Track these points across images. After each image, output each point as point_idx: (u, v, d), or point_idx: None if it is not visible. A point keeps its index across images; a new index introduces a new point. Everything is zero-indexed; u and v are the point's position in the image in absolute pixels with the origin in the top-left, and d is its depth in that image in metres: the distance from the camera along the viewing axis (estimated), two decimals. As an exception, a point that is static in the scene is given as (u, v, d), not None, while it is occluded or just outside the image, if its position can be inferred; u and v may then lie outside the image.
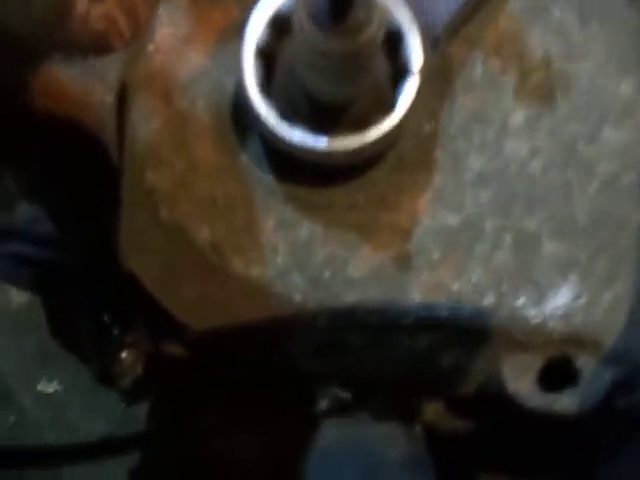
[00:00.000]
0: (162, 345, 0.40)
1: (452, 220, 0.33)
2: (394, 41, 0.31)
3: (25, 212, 0.44)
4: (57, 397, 0.65)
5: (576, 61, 0.34)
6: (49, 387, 0.65)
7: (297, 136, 0.31)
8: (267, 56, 0.31)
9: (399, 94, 0.31)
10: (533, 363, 0.33)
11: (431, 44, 0.31)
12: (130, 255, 0.34)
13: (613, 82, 0.35)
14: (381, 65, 0.30)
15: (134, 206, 0.34)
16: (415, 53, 0.31)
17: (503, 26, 0.35)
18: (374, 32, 0.27)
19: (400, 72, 0.31)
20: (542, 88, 0.34)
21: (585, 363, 0.33)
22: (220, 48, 0.34)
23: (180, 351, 0.39)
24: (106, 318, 0.44)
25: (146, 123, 0.33)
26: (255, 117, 0.31)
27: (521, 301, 0.33)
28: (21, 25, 0.32)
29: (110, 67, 0.36)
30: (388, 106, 0.31)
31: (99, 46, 0.42)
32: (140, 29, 0.45)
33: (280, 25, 0.31)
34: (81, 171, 0.39)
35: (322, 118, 0.31)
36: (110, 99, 0.35)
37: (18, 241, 0.45)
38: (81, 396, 0.64)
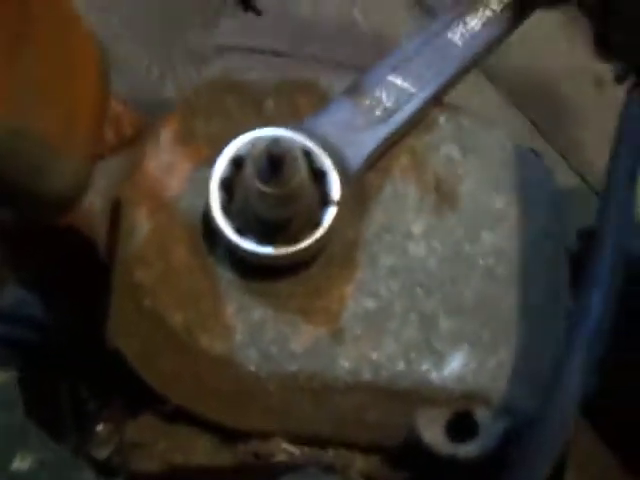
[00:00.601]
0: (139, 417, 0.46)
1: (370, 304, 0.43)
2: (320, 176, 0.42)
3: (13, 295, 0.49)
4: (32, 474, 0.66)
5: (460, 183, 0.46)
6: (24, 464, 0.66)
7: (248, 245, 0.41)
8: (228, 185, 0.42)
9: (325, 214, 0.42)
10: (441, 416, 0.41)
11: (349, 179, 0.43)
12: (116, 335, 0.42)
13: (489, 198, 0.46)
14: (311, 194, 0.41)
15: (122, 296, 0.43)
16: (334, 187, 0.42)
17: (405, 159, 0.46)
18: (298, 182, 0.38)
19: (325, 198, 0.42)
20: (435, 204, 0.45)
21: (482, 416, 0.41)
22: (193, 177, 0.44)
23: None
24: (83, 394, 0.49)
25: (134, 232, 0.43)
26: (218, 230, 0.42)
27: (425, 366, 0.42)
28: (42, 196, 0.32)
29: (99, 175, 0.44)
30: (317, 223, 0.42)
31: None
32: (124, 139, 0.54)
33: (238, 163, 0.42)
34: (69, 261, 0.45)
35: (267, 232, 0.41)
36: (99, 204, 0.44)
37: (3, 323, 0.49)
38: (57, 473, 0.65)
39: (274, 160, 0.38)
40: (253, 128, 0.43)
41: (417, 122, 0.45)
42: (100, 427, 0.46)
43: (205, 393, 0.42)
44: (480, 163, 0.47)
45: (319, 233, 0.41)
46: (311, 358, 0.42)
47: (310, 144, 0.42)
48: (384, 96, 0.44)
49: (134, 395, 0.44)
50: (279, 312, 0.42)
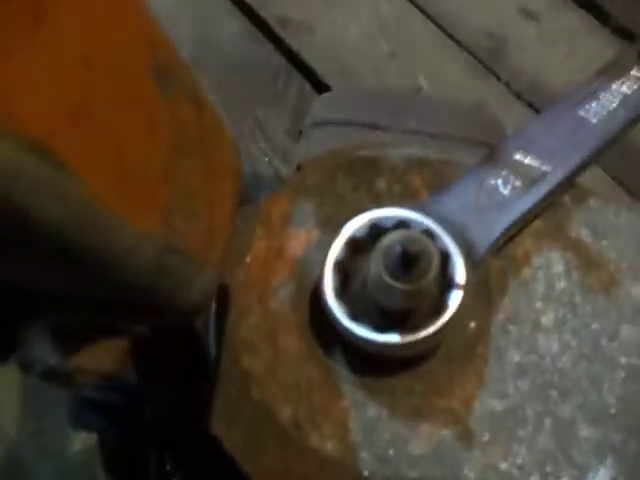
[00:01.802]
0: None
1: (498, 406, 0.38)
2: (444, 259, 0.38)
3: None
4: None
5: (592, 271, 0.42)
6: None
7: (365, 332, 0.38)
8: (342, 269, 0.39)
9: (449, 299, 0.38)
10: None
11: (475, 262, 0.39)
12: (219, 422, 0.39)
13: (626, 287, 0.41)
14: (434, 282, 0.38)
15: (229, 382, 0.40)
16: (459, 270, 0.38)
17: (531, 243, 0.43)
18: (431, 278, 0.35)
19: (448, 283, 0.38)
20: (567, 293, 0.41)
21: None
22: (305, 261, 0.42)
23: None
24: (169, 467, 0.47)
25: (243, 319, 0.41)
26: (332, 315, 0.38)
27: (564, 481, 0.37)
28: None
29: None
30: (439, 309, 0.38)
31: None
32: (216, 248, 0.52)
33: (354, 246, 0.39)
34: (170, 341, 0.43)
35: (387, 320, 0.38)
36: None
37: (100, 388, 0.47)
38: None
39: (409, 258, 0.35)
40: (367, 209, 0.40)
41: (547, 205, 0.42)
42: None
43: None
44: (614, 248, 0.42)
45: (444, 319, 0.37)
46: (432, 464, 0.37)
47: (433, 225, 0.39)
48: (512, 176, 0.41)
49: None
50: (395, 410, 0.38)
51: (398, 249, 0.34)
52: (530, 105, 1.09)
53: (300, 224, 0.43)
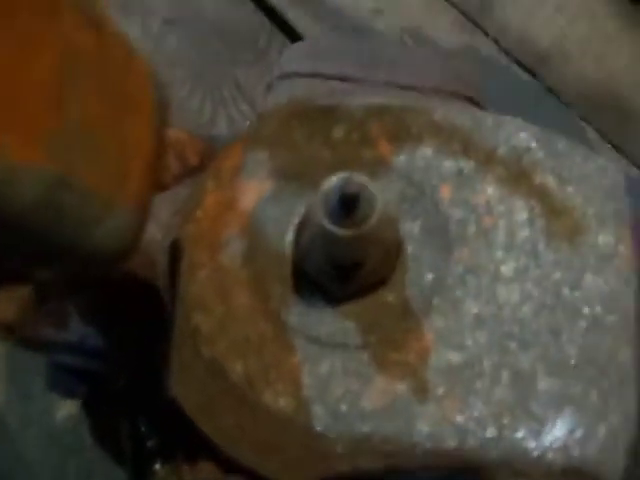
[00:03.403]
0: (198, 462, 0.42)
1: (455, 358, 0.37)
2: None
3: (78, 329, 0.46)
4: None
5: (556, 218, 0.40)
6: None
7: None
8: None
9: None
10: (539, 495, 0.35)
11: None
12: (175, 384, 0.38)
13: (592, 235, 0.40)
14: (389, 236, 0.36)
15: (181, 342, 0.39)
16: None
17: (492, 191, 0.41)
18: (374, 223, 0.34)
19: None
20: (528, 242, 0.39)
21: (589, 495, 0.35)
22: (254, 215, 0.40)
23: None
24: (143, 430, 0.46)
25: (194, 275, 0.39)
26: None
27: (521, 434, 0.36)
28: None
29: (161, 207, 0.41)
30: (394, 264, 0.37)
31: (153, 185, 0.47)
32: (188, 167, 0.51)
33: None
34: (130, 296, 0.42)
35: (338, 274, 0.36)
36: (159, 236, 0.40)
37: (70, 354, 0.47)
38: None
39: (347, 200, 0.33)
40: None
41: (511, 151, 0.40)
42: (158, 466, 0.43)
43: (267, 452, 0.37)
44: (580, 194, 0.41)
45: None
46: (386, 418, 0.36)
47: None
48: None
49: (194, 440, 0.40)
50: (349, 365, 0.37)
51: (337, 192, 0.33)
52: (518, 62, 1.07)
53: (252, 175, 0.41)
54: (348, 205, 0.33)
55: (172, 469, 0.43)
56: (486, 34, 1.10)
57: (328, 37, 1.04)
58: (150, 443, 0.46)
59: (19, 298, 0.40)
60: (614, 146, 0.96)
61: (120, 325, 0.46)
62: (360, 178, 0.34)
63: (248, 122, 1.10)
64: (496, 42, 1.10)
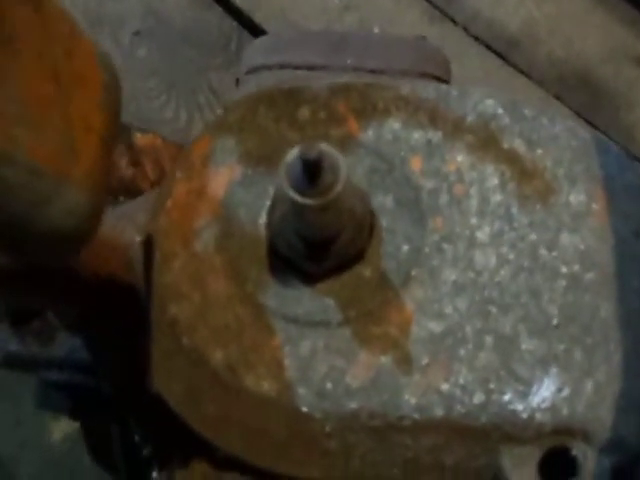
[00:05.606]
0: (190, 464, 0.41)
1: (436, 327, 0.37)
2: None
3: (64, 343, 0.47)
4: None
5: (527, 181, 0.40)
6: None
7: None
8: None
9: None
10: (532, 455, 0.35)
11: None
12: (157, 379, 0.38)
13: (564, 194, 0.40)
14: (360, 209, 0.36)
15: (160, 334, 0.38)
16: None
17: (462, 158, 0.41)
18: (340, 190, 0.33)
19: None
20: (502, 205, 0.39)
21: (582, 452, 0.34)
22: (226, 200, 0.40)
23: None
24: (136, 439, 0.45)
25: (167, 266, 0.39)
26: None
27: (508, 397, 0.35)
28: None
29: (138, 209, 0.41)
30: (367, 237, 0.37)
31: (128, 189, 0.47)
32: (164, 172, 0.50)
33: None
34: (112, 304, 0.41)
35: (312, 251, 0.36)
36: (138, 239, 0.40)
37: (58, 369, 0.47)
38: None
39: (310, 166, 0.32)
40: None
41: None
42: (155, 474, 0.43)
43: (255, 439, 0.37)
44: (549, 156, 0.40)
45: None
46: (372, 393, 0.36)
47: None
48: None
49: (184, 441, 0.39)
50: (331, 343, 0.37)
51: (298, 160, 0.32)
52: (488, 47, 1.07)
53: (221, 162, 0.41)
54: (311, 172, 0.32)
55: (169, 475, 0.43)
56: (454, 22, 1.11)
57: (291, 30, 1.04)
58: (146, 451, 0.46)
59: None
60: (588, 122, 0.97)
61: (104, 333, 0.46)
62: (321, 145, 0.34)
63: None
64: (465, 29, 1.10)
